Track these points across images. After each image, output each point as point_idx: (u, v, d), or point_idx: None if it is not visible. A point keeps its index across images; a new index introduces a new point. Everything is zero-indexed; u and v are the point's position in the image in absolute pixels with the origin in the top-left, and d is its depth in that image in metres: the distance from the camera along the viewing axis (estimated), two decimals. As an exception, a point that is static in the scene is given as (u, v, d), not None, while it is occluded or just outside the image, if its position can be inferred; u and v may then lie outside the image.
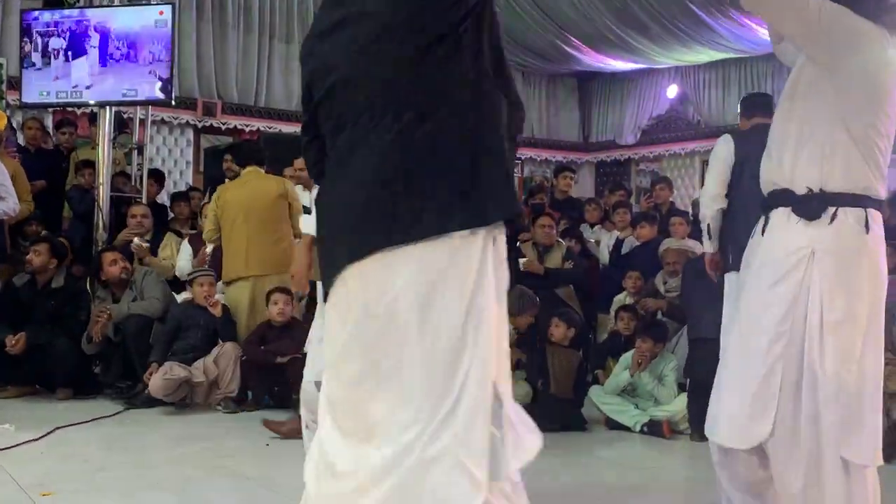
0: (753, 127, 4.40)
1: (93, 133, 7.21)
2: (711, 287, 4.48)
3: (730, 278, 4.30)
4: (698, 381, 4.66)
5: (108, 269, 5.72)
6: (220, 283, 5.90)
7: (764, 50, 9.87)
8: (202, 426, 4.83)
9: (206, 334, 5.46)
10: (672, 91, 11.41)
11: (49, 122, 8.14)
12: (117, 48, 6.42)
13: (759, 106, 4.55)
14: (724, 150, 4.34)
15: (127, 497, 3.34)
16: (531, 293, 5.37)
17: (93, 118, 7.40)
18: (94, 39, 6.43)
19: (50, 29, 6.50)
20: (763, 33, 9.19)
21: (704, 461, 4.32)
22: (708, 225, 4.34)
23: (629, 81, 11.91)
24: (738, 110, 4.82)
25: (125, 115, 7.44)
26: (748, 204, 3.66)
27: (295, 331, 5.39)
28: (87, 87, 6.47)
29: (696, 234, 5.76)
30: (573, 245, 6.84)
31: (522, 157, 11.55)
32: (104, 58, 6.42)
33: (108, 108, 6.63)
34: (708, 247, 4.38)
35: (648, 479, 4.00)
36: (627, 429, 4.92)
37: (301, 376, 5.19)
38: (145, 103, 6.95)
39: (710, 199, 4.35)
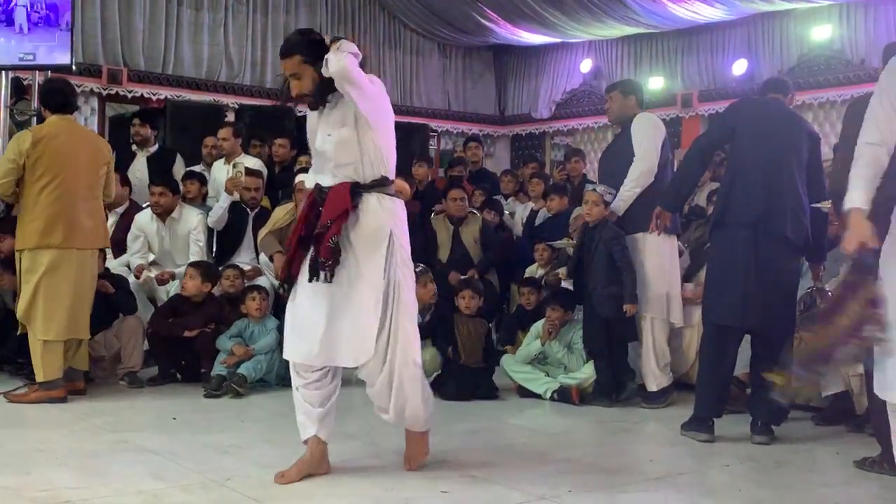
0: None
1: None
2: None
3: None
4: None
5: None
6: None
7: (675, 25, 10.02)
8: (105, 401, 4.69)
9: (107, 309, 5.22)
10: (586, 66, 11.51)
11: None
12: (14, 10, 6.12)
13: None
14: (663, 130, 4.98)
15: (24, 474, 3.21)
16: (424, 266, 5.35)
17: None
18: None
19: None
20: (673, 9, 9.32)
21: (611, 425, 4.45)
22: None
23: (544, 55, 11.97)
24: (634, 98, 5.13)
25: (25, 82, 7.13)
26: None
27: (208, 306, 5.28)
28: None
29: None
30: (492, 217, 6.86)
31: (439, 130, 11.50)
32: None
33: (4, 72, 6.34)
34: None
35: (558, 444, 4.07)
36: (538, 396, 5.00)
37: (210, 350, 5.13)
38: (44, 68, 6.64)
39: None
